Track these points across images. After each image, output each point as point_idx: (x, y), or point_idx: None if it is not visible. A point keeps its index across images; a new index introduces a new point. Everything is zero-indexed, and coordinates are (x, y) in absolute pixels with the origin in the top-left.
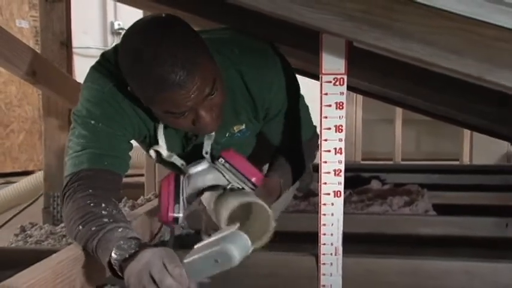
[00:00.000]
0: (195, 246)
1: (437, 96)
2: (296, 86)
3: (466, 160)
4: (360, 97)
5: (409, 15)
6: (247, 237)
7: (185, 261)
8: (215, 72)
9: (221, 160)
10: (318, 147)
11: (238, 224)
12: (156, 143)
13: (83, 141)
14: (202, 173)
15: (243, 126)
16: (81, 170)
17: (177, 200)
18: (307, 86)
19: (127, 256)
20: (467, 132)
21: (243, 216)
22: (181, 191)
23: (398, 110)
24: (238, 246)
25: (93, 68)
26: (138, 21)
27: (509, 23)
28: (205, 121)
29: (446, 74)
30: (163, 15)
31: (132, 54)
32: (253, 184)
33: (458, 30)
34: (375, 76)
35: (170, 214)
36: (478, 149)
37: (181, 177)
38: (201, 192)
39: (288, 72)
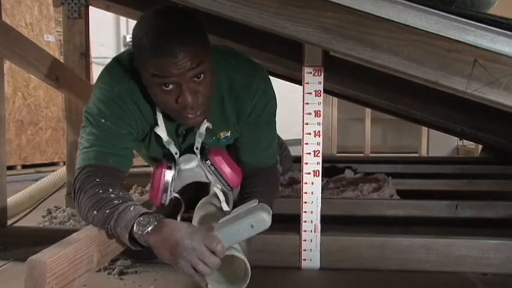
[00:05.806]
0: (220, 221)
1: (400, 99)
2: (275, 104)
3: (423, 153)
4: (335, 99)
5: (378, 30)
6: (268, 206)
7: (217, 232)
8: (206, 57)
9: (208, 162)
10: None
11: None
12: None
13: (92, 138)
14: (191, 171)
15: (229, 133)
16: (89, 165)
17: (166, 191)
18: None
19: (149, 230)
20: (424, 129)
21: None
22: (170, 184)
23: (368, 111)
24: (268, 213)
25: (105, 70)
26: (158, 6)
27: (459, 36)
28: (186, 100)
29: (408, 80)
30: (181, 5)
31: (142, 27)
32: (231, 188)
33: (418, 43)
34: (349, 81)
35: (159, 201)
36: (434, 143)
37: (173, 171)
38: (188, 184)
39: (271, 89)
